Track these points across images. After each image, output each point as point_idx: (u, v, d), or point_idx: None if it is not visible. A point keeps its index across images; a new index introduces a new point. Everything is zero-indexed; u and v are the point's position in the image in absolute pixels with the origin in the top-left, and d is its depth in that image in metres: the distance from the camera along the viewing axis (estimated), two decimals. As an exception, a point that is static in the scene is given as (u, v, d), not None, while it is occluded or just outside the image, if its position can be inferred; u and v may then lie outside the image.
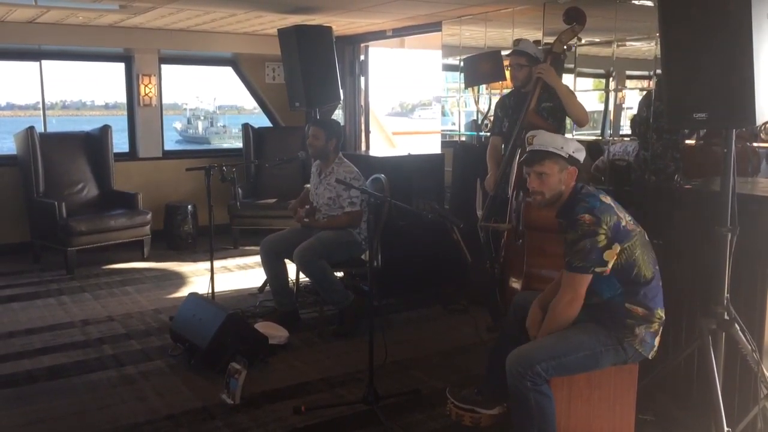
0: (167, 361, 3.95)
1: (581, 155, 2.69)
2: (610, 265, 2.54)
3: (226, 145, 30.45)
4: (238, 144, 7.98)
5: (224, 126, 41.27)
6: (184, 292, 5.06)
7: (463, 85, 5.89)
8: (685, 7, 2.63)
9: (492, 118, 4.62)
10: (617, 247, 2.53)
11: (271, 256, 4.48)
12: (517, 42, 4.09)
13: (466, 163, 5.66)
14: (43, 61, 6.83)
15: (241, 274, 5.94)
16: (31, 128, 6.18)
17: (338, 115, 7.56)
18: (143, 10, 5.52)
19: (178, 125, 40.15)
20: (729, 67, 2.50)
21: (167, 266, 6.19)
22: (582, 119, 4.00)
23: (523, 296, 3.06)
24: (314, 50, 5.63)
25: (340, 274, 4.59)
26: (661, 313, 2.64)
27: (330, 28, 5.79)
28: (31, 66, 6.84)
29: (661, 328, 2.66)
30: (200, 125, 41.41)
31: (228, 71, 7.83)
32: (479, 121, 5.91)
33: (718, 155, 3.16)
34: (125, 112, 7.39)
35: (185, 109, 41.43)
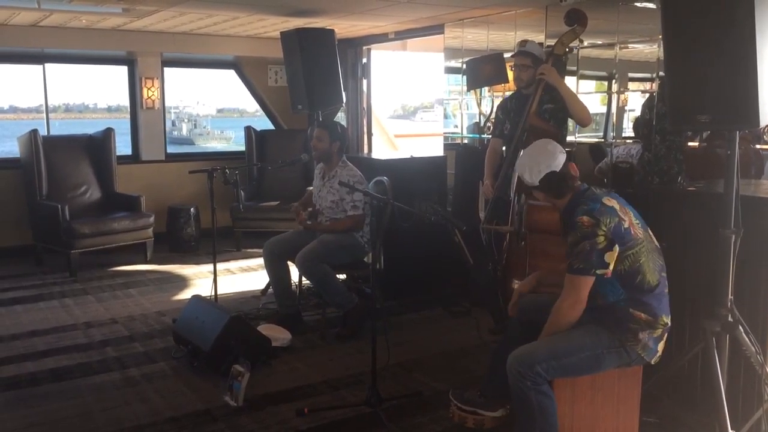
0: (170, 363, 3.95)
1: (555, 164, 2.64)
2: (611, 267, 2.53)
3: (219, 147, 31.01)
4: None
5: (207, 128, 42.56)
6: (186, 295, 5.07)
7: (465, 88, 5.90)
8: (689, 9, 2.63)
9: (494, 121, 4.62)
10: (618, 249, 2.53)
11: (273, 258, 4.48)
12: (523, 43, 4.08)
13: (468, 166, 5.66)
14: (46, 65, 6.85)
15: (243, 276, 5.95)
16: (35, 131, 6.20)
17: (340, 117, 7.56)
18: (146, 13, 5.54)
19: (164, 127, 41.61)
20: (732, 69, 2.50)
21: (170, 269, 6.19)
22: (585, 120, 3.99)
23: (527, 299, 3.06)
24: (316, 53, 5.64)
25: (342, 276, 4.59)
26: (666, 319, 2.63)
27: (332, 30, 5.80)
28: (35, 69, 6.87)
29: (666, 334, 2.64)
30: (184, 127, 42.83)
31: (230, 74, 7.85)
32: (481, 124, 5.91)
33: (721, 157, 3.16)
34: (128, 115, 7.41)
35: (170, 112, 42.47)
